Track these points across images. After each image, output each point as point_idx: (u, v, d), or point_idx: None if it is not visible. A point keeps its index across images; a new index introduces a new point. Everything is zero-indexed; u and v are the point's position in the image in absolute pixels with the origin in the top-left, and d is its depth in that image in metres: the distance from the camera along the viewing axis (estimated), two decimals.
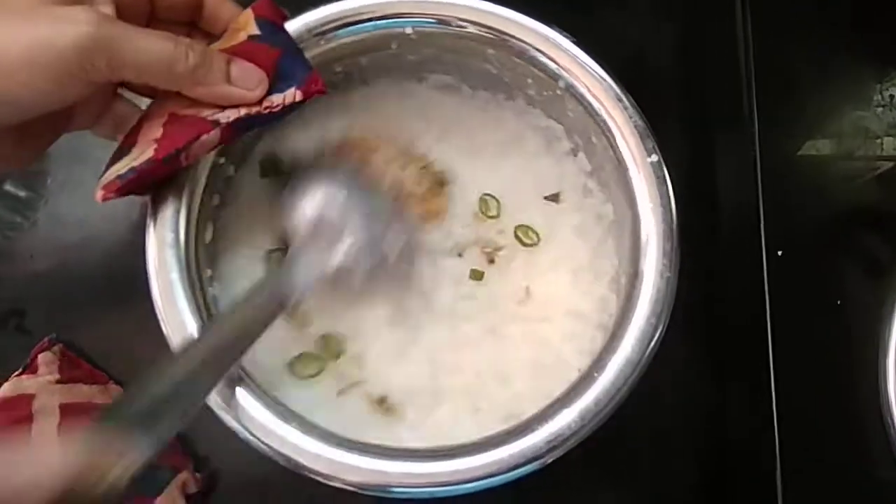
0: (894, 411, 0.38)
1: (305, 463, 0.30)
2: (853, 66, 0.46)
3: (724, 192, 0.45)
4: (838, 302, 0.41)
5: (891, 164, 0.44)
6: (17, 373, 0.40)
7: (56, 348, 0.41)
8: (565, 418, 0.31)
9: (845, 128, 0.45)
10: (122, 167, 0.31)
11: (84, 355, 0.42)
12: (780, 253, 0.41)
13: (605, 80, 0.36)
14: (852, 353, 0.40)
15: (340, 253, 0.35)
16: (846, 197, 0.44)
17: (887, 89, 0.46)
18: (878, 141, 0.45)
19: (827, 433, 0.40)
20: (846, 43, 0.46)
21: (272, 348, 0.36)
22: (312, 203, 0.35)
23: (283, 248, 0.38)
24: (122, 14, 0.31)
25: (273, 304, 0.32)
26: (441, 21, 0.37)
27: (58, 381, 0.40)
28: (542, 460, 0.31)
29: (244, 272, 0.38)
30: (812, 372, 0.40)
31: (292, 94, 0.32)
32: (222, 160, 0.36)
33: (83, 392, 0.40)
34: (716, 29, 0.48)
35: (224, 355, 0.30)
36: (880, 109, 0.45)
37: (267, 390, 0.32)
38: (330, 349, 0.37)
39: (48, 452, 0.24)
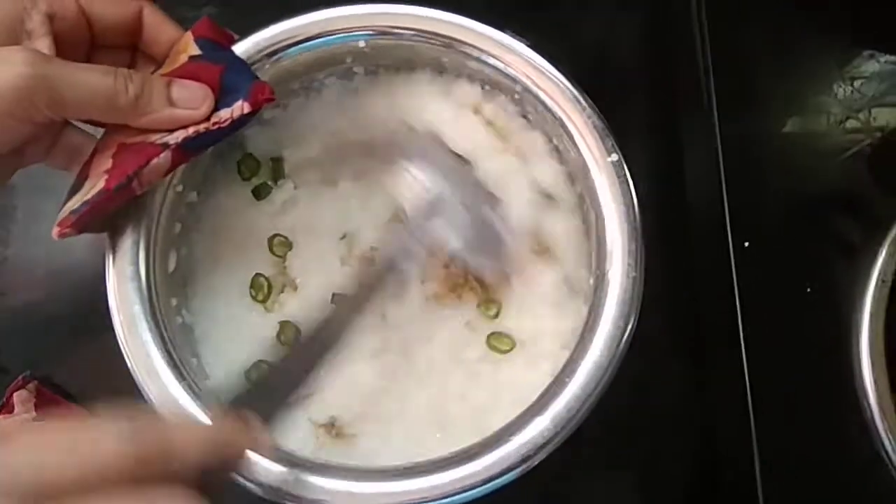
0: (869, 395, 0.38)
1: (277, 486, 0.30)
2: (813, 49, 0.46)
3: (691, 186, 0.45)
4: (808, 289, 0.41)
5: (855, 145, 0.44)
6: None
7: (31, 385, 0.41)
8: (538, 426, 0.31)
9: (808, 112, 0.45)
10: (75, 202, 0.31)
11: (60, 391, 0.41)
12: (746, 244, 0.41)
13: (561, 81, 0.36)
14: (825, 339, 0.40)
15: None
16: (811, 182, 0.44)
17: (849, 71, 0.45)
18: (842, 124, 0.45)
19: (803, 420, 0.40)
20: (805, 26, 0.46)
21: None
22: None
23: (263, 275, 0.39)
24: (62, 45, 0.31)
25: None
26: (392, 33, 0.37)
27: (34, 420, 0.39)
28: (516, 470, 0.31)
29: (219, 293, 0.38)
30: (786, 360, 0.40)
31: (240, 107, 0.32)
32: (181, 187, 0.36)
33: None
34: (674, 19, 0.47)
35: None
36: (842, 91, 0.45)
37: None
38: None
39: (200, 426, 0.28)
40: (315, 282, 0.39)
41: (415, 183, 0.37)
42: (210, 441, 0.24)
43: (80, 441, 0.20)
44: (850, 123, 0.45)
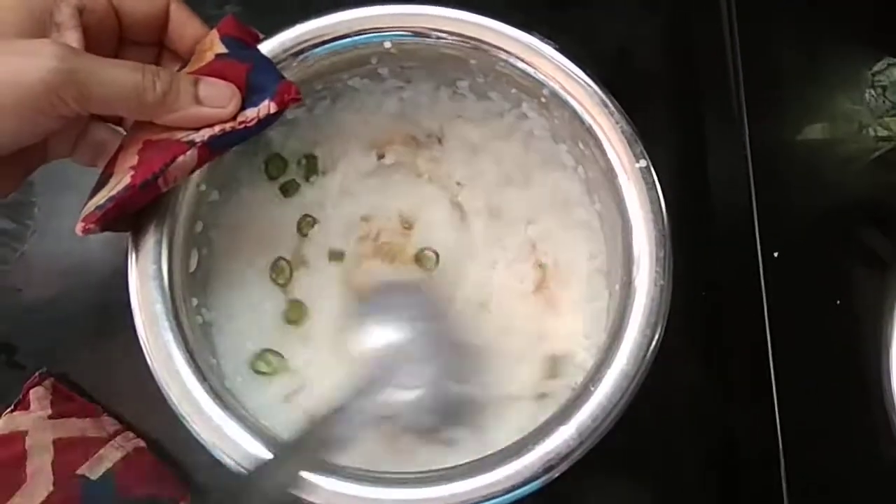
0: None
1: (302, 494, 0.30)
2: (841, 54, 0.45)
3: (717, 193, 0.44)
4: (837, 301, 0.40)
5: (882, 151, 0.43)
6: (8, 409, 0.40)
7: (47, 382, 0.41)
8: (562, 435, 0.31)
9: (836, 118, 0.44)
10: (100, 198, 0.31)
11: (76, 388, 0.41)
12: (776, 254, 0.40)
13: (589, 85, 0.36)
14: (854, 353, 0.39)
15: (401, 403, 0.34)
16: (841, 191, 0.43)
17: (878, 79, 0.45)
18: (871, 131, 0.44)
19: (831, 434, 0.39)
20: (834, 32, 0.45)
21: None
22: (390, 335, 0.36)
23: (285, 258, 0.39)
24: (91, 39, 0.31)
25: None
26: (419, 34, 0.36)
27: (50, 417, 0.39)
28: (539, 480, 0.30)
29: (238, 293, 0.38)
30: (814, 373, 0.39)
31: (266, 107, 0.31)
32: (203, 186, 0.35)
33: (76, 426, 0.39)
34: (702, 22, 0.47)
35: None
36: (871, 98, 0.44)
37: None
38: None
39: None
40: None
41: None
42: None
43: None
44: (880, 131, 0.44)
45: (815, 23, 0.46)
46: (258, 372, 0.37)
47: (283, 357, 0.38)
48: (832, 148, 0.45)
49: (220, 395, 0.31)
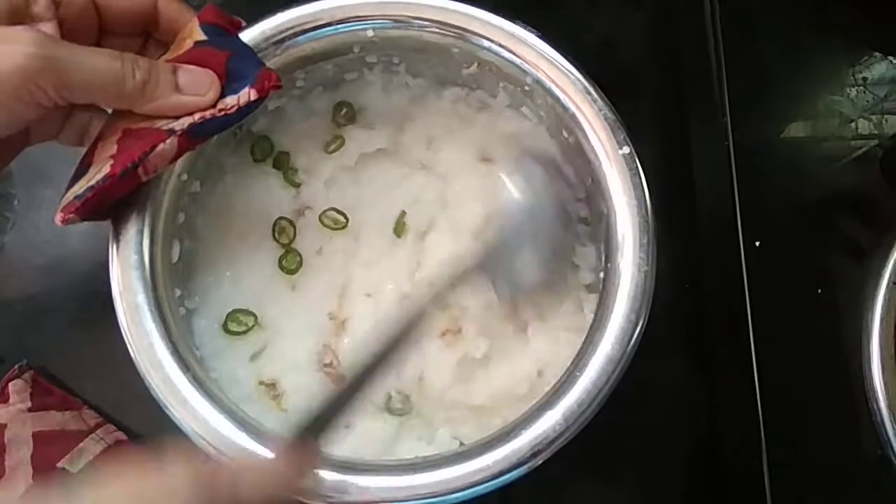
0: (879, 396, 0.38)
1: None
2: (824, 50, 0.46)
3: (700, 185, 0.44)
4: (819, 290, 0.41)
5: (866, 146, 0.44)
6: None
7: (27, 375, 0.40)
8: (549, 420, 0.31)
9: (819, 112, 0.45)
10: (79, 188, 0.30)
11: (56, 381, 0.41)
12: (757, 244, 0.41)
13: (571, 73, 0.36)
14: (835, 341, 0.40)
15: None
16: (822, 182, 0.44)
17: (860, 72, 0.45)
18: (853, 124, 0.44)
19: (812, 421, 0.40)
20: (817, 27, 0.46)
21: None
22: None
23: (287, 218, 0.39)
24: (69, 31, 0.30)
25: None
26: (401, 21, 0.36)
27: (29, 410, 0.39)
28: (527, 465, 0.30)
29: (222, 283, 0.38)
30: (795, 362, 0.40)
31: (247, 94, 0.31)
32: (185, 176, 0.35)
33: (55, 419, 0.39)
34: (685, 18, 0.47)
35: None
36: (853, 92, 0.45)
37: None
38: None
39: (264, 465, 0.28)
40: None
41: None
42: (273, 482, 0.26)
43: (157, 496, 0.22)
44: (862, 125, 0.44)
45: (799, 17, 0.46)
46: (230, 332, 0.37)
47: (254, 315, 0.38)
48: (815, 141, 0.45)
49: (203, 385, 0.31)
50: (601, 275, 0.35)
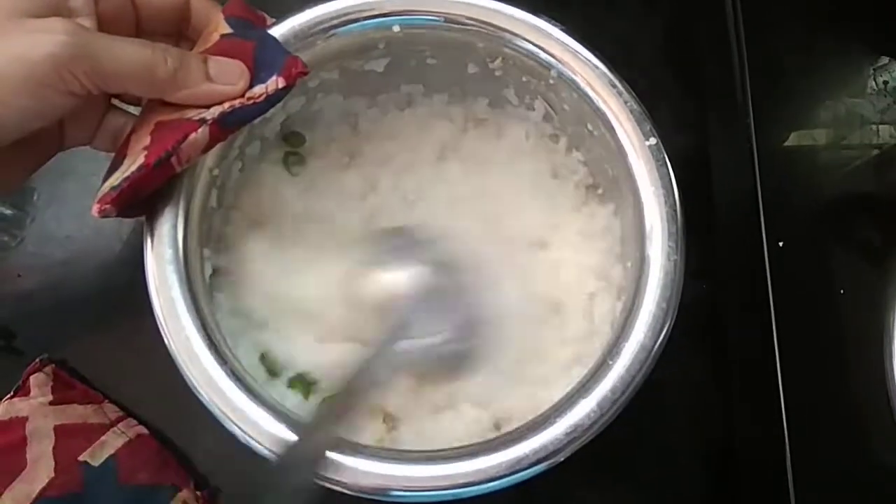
0: None
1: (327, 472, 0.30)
2: (845, 53, 0.46)
3: (721, 186, 0.44)
4: (841, 291, 0.41)
5: (887, 150, 0.44)
6: (8, 395, 0.39)
7: (48, 369, 0.40)
8: (584, 408, 0.31)
9: (840, 115, 0.45)
10: (115, 179, 0.31)
11: (77, 374, 0.41)
12: (780, 244, 0.41)
13: (597, 66, 0.36)
14: (857, 342, 0.40)
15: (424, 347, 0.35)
16: (844, 184, 0.44)
17: (880, 75, 0.46)
18: (874, 127, 0.45)
19: (834, 422, 0.40)
20: (838, 31, 0.46)
21: None
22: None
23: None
24: (106, 27, 0.30)
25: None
26: (427, 17, 0.36)
27: (51, 403, 0.39)
28: (563, 453, 0.31)
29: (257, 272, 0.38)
30: (818, 362, 0.40)
31: (275, 83, 0.32)
32: (216, 170, 0.35)
33: (77, 413, 0.39)
34: (706, 22, 0.47)
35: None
36: (874, 95, 0.45)
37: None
38: None
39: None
40: None
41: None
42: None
43: None
44: (883, 129, 0.45)
45: (819, 23, 0.47)
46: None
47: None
48: (835, 142, 0.45)
49: (241, 378, 0.31)
50: (628, 265, 0.36)
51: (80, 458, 0.38)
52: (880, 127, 0.45)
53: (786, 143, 0.44)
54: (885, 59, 0.46)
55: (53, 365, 0.40)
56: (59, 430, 0.38)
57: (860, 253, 0.43)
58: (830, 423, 0.40)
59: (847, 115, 0.45)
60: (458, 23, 0.37)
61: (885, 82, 0.45)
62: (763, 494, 0.41)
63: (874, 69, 0.46)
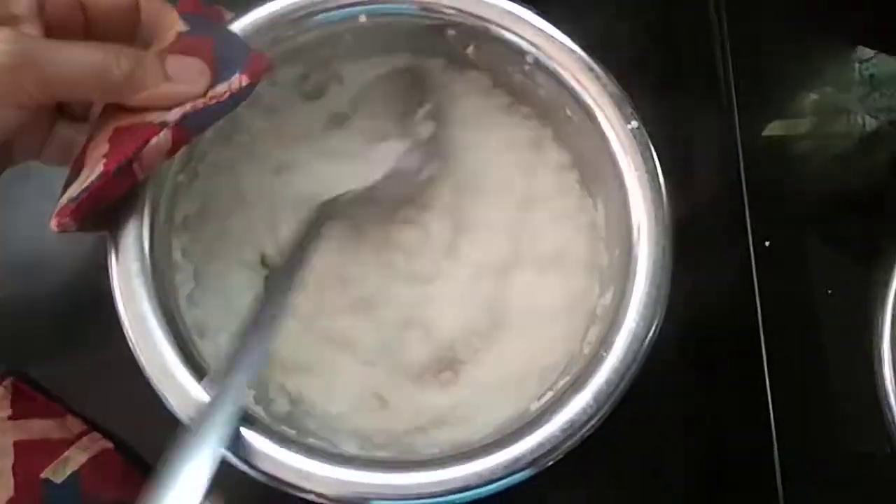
0: (891, 397, 0.37)
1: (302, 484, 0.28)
2: (831, 47, 0.46)
3: (705, 182, 0.43)
4: (829, 291, 0.41)
5: (873, 145, 0.44)
6: None
7: (7, 382, 0.38)
8: (579, 403, 0.30)
9: (826, 111, 0.45)
10: (73, 191, 0.29)
11: (38, 387, 0.39)
12: (767, 243, 0.40)
13: (573, 50, 0.35)
14: (845, 343, 0.40)
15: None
16: (830, 181, 0.43)
17: (867, 69, 0.45)
18: (861, 122, 0.44)
19: (822, 420, 0.39)
20: (824, 23, 0.45)
21: None
22: None
23: None
24: (54, 33, 0.28)
25: None
26: (396, 4, 0.35)
27: (10, 418, 0.37)
28: (561, 449, 0.30)
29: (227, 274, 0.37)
30: (807, 362, 0.39)
31: (238, 80, 0.30)
32: (181, 177, 0.34)
33: (38, 427, 0.37)
34: (688, 12, 0.46)
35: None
36: (860, 89, 0.45)
37: None
38: None
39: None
40: None
41: None
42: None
43: None
44: (869, 123, 0.44)
45: (805, 16, 0.45)
46: None
47: None
48: (824, 139, 0.45)
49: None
50: (616, 253, 0.35)
51: (42, 475, 0.36)
52: (867, 121, 0.44)
53: (771, 140, 0.44)
54: (876, 55, 0.45)
55: (13, 378, 0.38)
56: (19, 447, 0.36)
57: (848, 253, 0.42)
58: (818, 421, 0.40)
59: (833, 110, 0.45)
60: (429, 10, 0.35)
61: (872, 75, 0.45)
62: (751, 492, 0.40)
63: (860, 62, 0.45)
